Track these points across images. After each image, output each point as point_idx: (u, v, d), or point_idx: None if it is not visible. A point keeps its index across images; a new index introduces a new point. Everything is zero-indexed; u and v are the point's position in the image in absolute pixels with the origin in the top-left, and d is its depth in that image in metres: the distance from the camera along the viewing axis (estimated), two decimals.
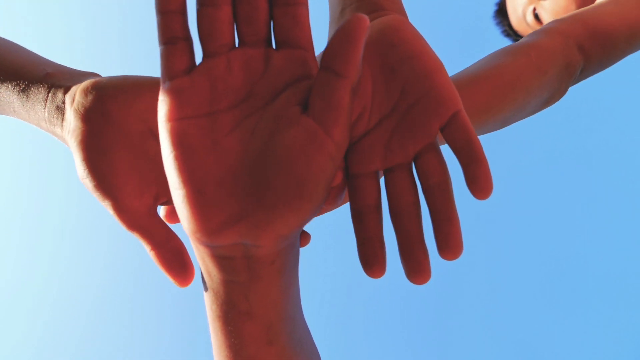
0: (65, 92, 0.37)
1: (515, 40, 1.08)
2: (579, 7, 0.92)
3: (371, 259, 0.32)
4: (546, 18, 0.97)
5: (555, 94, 0.55)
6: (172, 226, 1.43)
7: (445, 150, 2.66)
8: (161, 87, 0.30)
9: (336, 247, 2.71)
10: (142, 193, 0.36)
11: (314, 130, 0.29)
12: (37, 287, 2.91)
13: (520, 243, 2.73)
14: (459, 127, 0.32)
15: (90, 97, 0.35)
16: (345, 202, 0.43)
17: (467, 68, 0.50)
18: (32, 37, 2.83)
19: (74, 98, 0.36)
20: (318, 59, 0.35)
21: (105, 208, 0.36)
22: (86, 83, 0.36)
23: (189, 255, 0.36)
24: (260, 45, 0.31)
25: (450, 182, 0.32)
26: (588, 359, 2.58)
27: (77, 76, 0.38)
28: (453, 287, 2.79)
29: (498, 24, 1.12)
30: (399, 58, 0.33)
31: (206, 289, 0.34)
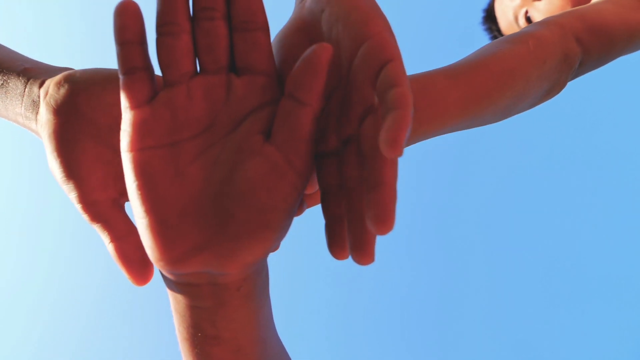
0: (40, 86, 0.37)
1: None
2: (574, 7, 0.91)
3: (334, 239, 0.30)
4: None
5: (555, 86, 0.55)
6: None
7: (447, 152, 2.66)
8: (123, 117, 0.30)
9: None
10: (107, 186, 0.35)
11: (277, 160, 0.29)
12: (37, 287, 2.92)
13: (519, 243, 2.72)
14: (382, 80, 0.26)
15: (62, 90, 0.35)
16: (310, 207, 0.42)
17: (464, 57, 0.49)
18: (31, 37, 2.84)
19: (47, 91, 0.36)
20: (274, 45, 0.34)
21: (71, 200, 0.35)
22: (59, 76, 0.36)
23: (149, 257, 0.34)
24: (221, 72, 0.30)
25: None
26: (588, 359, 2.58)
27: (53, 71, 0.38)
28: (453, 286, 2.79)
29: (487, 29, 1.10)
30: (329, 24, 0.30)
31: (174, 311, 0.34)
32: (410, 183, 2.81)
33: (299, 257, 2.79)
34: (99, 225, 0.35)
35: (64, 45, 2.89)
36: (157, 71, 0.92)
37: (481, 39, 1.11)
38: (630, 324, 2.50)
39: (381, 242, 2.93)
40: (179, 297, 0.33)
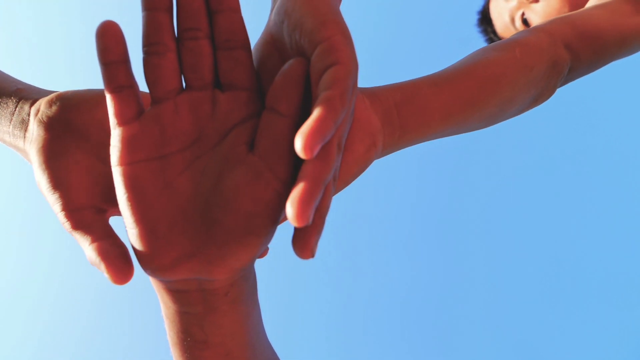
0: (31, 105, 0.37)
1: None
2: (572, 9, 0.90)
3: (294, 236, 0.30)
4: (536, 22, 0.95)
5: (543, 92, 0.55)
6: None
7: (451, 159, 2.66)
8: (112, 134, 0.31)
9: (332, 248, 2.71)
10: (94, 195, 0.36)
11: (260, 169, 0.30)
12: (37, 287, 2.93)
13: (519, 243, 2.73)
14: (321, 83, 0.27)
15: (54, 108, 0.36)
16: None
17: (450, 65, 0.49)
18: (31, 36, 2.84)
19: (39, 110, 0.37)
20: (260, 45, 0.34)
21: (54, 210, 0.35)
22: (51, 95, 0.37)
23: (130, 255, 0.33)
24: (206, 88, 0.32)
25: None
26: (588, 359, 2.59)
27: (45, 92, 0.39)
28: (452, 287, 2.79)
29: (482, 32, 1.10)
30: (289, 33, 0.31)
31: (164, 316, 0.35)
32: (411, 183, 2.82)
33: (292, 261, 2.80)
34: (80, 231, 0.34)
35: (63, 45, 2.90)
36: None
37: (477, 42, 1.11)
38: (630, 324, 2.51)
39: (381, 242, 2.94)
40: (169, 302, 0.33)
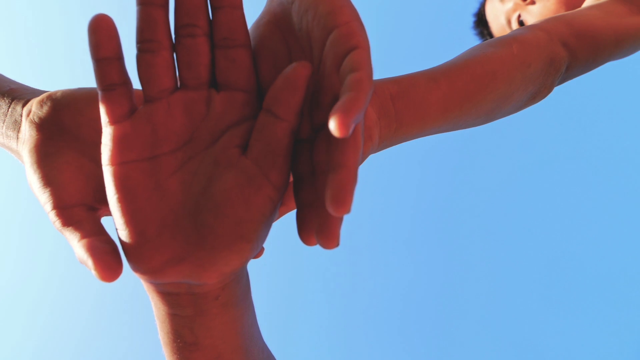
0: (23, 105, 0.37)
1: None
2: (568, 10, 0.90)
3: (304, 224, 0.29)
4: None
5: (541, 89, 0.54)
6: None
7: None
8: (103, 132, 0.30)
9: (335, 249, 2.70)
10: (86, 194, 0.35)
11: (252, 173, 0.29)
12: (37, 287, 2.93)
13: (520, 243, 2.72)
14: (345, 66, 0.26)
15: (45, 108, 0.36)
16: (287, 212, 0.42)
17: (447, 60, 0.48)
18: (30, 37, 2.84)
19: (31, 110, 0.36)
20: (252, 32, 0.33)
21: (45, 208, 0.34)
22: (42, 95, 0.37)
23: (119, 253, 0.32)
24: (202, 88, 0.31)
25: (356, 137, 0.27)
26: (588, 359, 2.58)
27: (38, 92, 0.39)
28: (452, 286, 2.79)
29: (478, 34, 1.10)
30: (299, 15, 0.30)
31: (156, 317, 0.35)
32: (410, 181, 2.82)
33: (291, 260, 2.80)
34: (70, 228, 0.33)
35: (63, 46, 2.90)
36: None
37: (473, 43, 1.11)
38: (630, 324, 2.51)
39: (380, 242, 2.93)
40: (159, 304, 0.33)
